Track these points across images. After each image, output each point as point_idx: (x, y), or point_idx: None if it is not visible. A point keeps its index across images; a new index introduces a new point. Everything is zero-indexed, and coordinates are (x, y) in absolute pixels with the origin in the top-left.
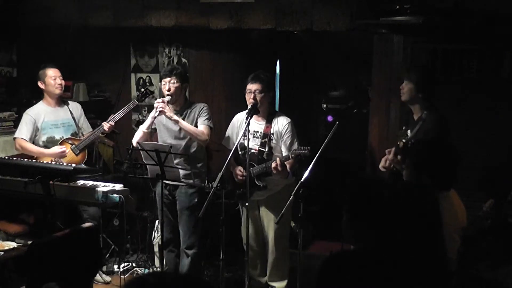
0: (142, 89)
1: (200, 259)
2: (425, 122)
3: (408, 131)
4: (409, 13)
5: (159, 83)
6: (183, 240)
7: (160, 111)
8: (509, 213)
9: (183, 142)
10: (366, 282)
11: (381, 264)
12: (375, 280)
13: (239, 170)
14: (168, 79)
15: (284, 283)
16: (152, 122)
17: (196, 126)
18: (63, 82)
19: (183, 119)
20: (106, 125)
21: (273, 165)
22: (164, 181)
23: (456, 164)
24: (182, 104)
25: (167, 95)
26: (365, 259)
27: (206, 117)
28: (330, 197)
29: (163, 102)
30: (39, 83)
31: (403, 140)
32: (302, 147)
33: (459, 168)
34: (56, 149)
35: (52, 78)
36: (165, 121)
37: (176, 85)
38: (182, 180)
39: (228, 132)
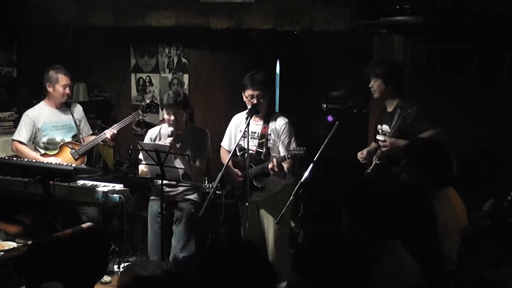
0: (148, 101)
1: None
2: (403, 110)
3: (385, 126)
4: (409, 13)
5: (161, 111)
6: (177, 248)
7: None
8: (509, 213)
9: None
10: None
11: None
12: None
13: (237, 174)
14: (173, 108)
15: (284, 283)
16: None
17: (194, 156)
18: (70, 92)
19: (183, 144)
20: (108, 133)
21: (270, 165)
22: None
23: (447, 160)
24: (183, 128)
25: (171, 125)
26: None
27: (205, 149)
28: (330, 197)
29: (170, 143)
30: (47, 85)
31: (380, 139)
32: (297, 148)
33: (458, 168)
34: (53, 160)
35: (63, 86)
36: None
37: (180, 113)
38: (183, 182)
39: (227, 133)
